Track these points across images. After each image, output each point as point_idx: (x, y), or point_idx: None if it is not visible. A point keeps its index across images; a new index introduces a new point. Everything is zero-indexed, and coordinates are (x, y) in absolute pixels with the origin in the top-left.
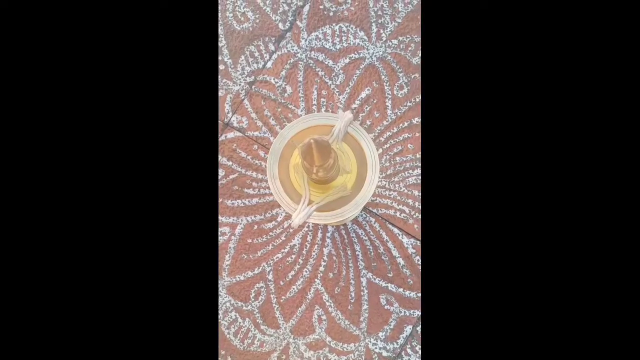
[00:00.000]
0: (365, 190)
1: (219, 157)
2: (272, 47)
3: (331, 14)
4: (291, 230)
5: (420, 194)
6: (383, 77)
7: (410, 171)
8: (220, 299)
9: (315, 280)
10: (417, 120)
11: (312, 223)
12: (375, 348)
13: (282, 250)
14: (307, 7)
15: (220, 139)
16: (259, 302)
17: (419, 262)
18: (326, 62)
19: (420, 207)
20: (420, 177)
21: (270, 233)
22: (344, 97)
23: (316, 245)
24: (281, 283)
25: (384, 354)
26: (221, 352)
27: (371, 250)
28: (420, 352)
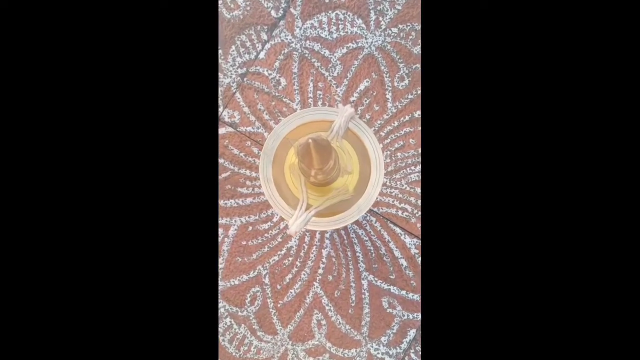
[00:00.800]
0: (368, 193)
1: None
2: (264, 37)
3: (327, 0)
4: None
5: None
6: (382, 67)
7: (412, 167)
8: None
9: (314, 283)
10: (419, 113)
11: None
12: (378, 353)
13: (279, 253)
14: None
15: None
16: (255, 308)
17: None
18: (322, 52)
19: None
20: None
21: (266, 234)
22: (341, 90)
23: (314, 247)
24: (278, 287)
25: (387, 359)
26: None
27: (372, 251)
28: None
